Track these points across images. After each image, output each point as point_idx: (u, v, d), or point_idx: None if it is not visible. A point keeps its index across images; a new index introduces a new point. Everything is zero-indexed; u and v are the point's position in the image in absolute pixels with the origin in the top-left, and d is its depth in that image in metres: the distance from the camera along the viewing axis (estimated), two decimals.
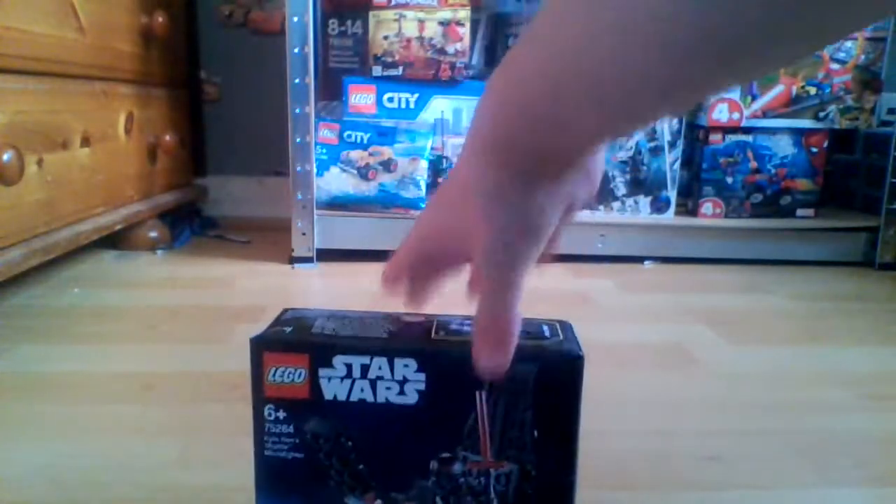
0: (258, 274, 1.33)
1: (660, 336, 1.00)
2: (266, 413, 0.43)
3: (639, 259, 1.43)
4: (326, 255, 1.41)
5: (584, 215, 1.43)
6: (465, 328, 0.44)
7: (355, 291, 1.21)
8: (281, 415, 0.43)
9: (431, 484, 0.44)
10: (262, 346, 0.42)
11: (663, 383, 0.84)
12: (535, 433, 0.42)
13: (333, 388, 0.42)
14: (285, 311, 0.47)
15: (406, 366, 0.41)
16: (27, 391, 0.78)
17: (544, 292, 1.21)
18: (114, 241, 1.44)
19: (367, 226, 1.40)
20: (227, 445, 0.66)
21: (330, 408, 0.42)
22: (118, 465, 0.63)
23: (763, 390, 0.82)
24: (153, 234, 1.50)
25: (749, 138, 1.40)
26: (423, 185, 1.37)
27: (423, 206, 1.38)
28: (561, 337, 0.43)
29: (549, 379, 0.41)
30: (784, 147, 1.41)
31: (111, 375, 0.83)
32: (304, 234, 1.41)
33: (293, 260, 1.40)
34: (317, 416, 0.43)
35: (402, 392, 0.42)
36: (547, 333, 0.43)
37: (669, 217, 1.43)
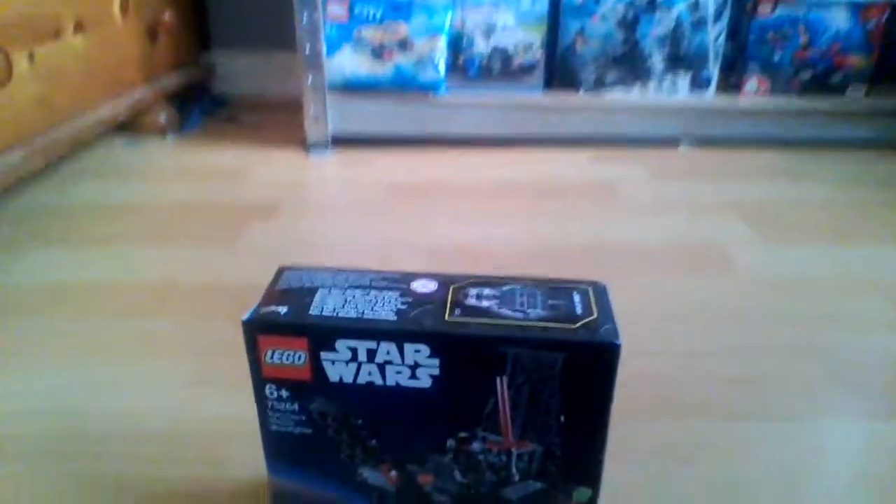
0: (272, 162, 1.27)
1: (694, 235, 0.95)
2: (267, 392, 0.40)
3: (674, 142, 1.34)
4: (341, 141, 1.35)
5: (617, 94, 1.33)
6: (484, 303, 0.39)
7: (373, 181, 1.15)
8: (283, 394, 0.40)
9: (448, 460, 0.41)
10: (256, 330, 0.38)
11: (696, 292, 0.79)
12: (562, 418, 0.38)
13: (338, 370, 0.38)
14: (280, 272, 0.43)
15: (417, 351, 0.37)
16: (40, 304, 0.77)
17: (572, 182, 1.14)
18: (124, 127, 1.38)
19: (383, 110, 1.32)
20: (240, 370, 0.64)
21: (335, 389, 0.39)
22: (131, 390, 0.62)
23: (800, 298, 0.78)
24: (162, 118, 1.44)
25: (801, 11, 1.26)
26: (441, 65, 1.27)
27: (443, 88, 1.29)
28: (594, 314, 0.38)
29: (580, 366, 0.37)
30: (838, 20, 1.26)
31: (125, 285, 0.81)
32: (317, 119, 1.33)
33: (307, 147, 1.34)
34: (322, 396, 0.40)
35: (413, 377, 0.38)
36: (578, 310, 0.38)
37: (710, 96, 1.32)
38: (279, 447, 0.42)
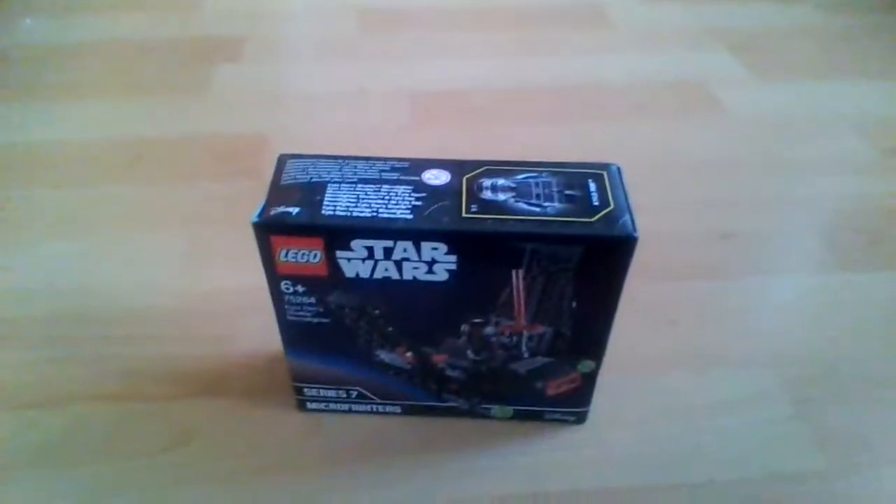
0: None
1: (682, 71, 0.92)
2: (283, 287, 0.40)
3: None
4: None
5: None
6: (500, 196, 0.38)
7: (341, 7, 1.07)
8: (300, 288, 0.40)
9: (462, 341, 0.43)
10: (268, 231, 0.37)
11: (684, 138, 0.79)
12: (574, 304, 0.40)
13: (354, 267, 0.38)
14: (282, 161, 0.41)
15: (435, 248, 0.37)
16: (3, 174, 0.73)
17: (559, 5, 1.08)
18: None
19: None
20: (235, 236, 0.64)
21: (352, 283, 0.39)
22: (121, 266, 0.61)
23: (784, 144, 0.78)
24: None
25: None
26: None
27: None
28: (611, 205, 0.38)
29: (596, 259, 0.37)
30: None
31: (93, 144, 0.77)
32: None
33: None
34: (338, 290, 0.40)
35: (430, 272, 0.38)
36: (595, 200, 0.38)
37: None
38: (297, 334, 0.43)
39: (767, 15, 1.08)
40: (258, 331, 0.55)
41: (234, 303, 0.57)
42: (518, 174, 0.40)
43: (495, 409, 0.48)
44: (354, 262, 0.38)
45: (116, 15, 1.06)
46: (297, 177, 0.39)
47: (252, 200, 0.67)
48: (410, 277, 0.39)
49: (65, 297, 0.58)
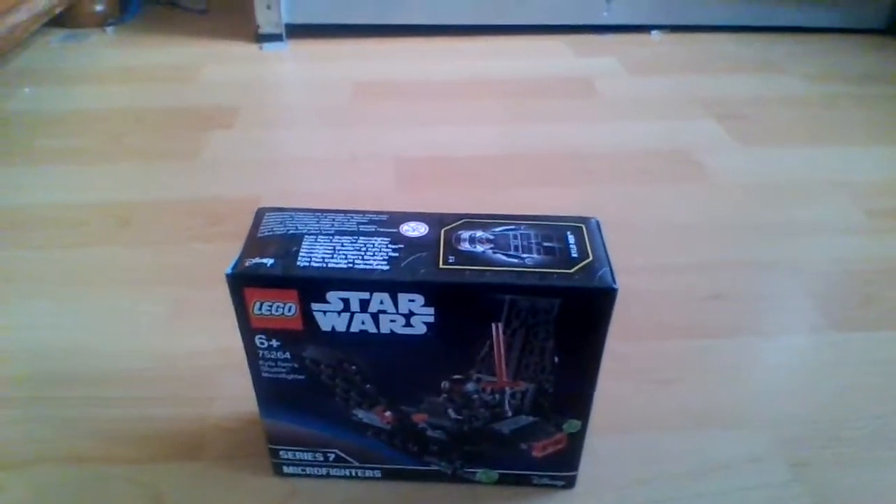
0: (223, 59, 1.19)
1: (668, 137, 0.94)
2: (258, 342, 0.39)
3: (646, 29, 1.30)
4: (297, 32, 1.27)
5: None
6: (478, 247, 0.38)
7: (335, 80, 1.09)
8: (274, 343, 0.39)
9: (443, 399, 0.41)
10: (242, 283, 0.36)
11: (671, 202, 0.80)
12: (556, 359, 0.39)
13: (330, 320, 0.37)
14: (260, 213, 0.41)
15: (412, 300, 0.36)
16: None
17: (546, 77, 1.11)
18: (60, 21, 1.27)
19: None
20: (218, 297, 0.63)
21: (328, 338, 0.38)
22: (106, 327, 0.60)
23: (771, 207, 0.79)
24: (99, 7, 1.33)
25: None
26: None
27: None
28: (590, 257, 0.37)
29: (576, 311, 0.36)
30: None
31: (83, 207, 0.77)
32: (268, 6, 1.24)
33: (259, 38, 1.26)
34: (314, 344, 0.39)
35: (408, 325, 0.37)
36: (574, 252, 0.37)
37: None
38: (272, 392, 0.42)
39: (753, 86, 1.10)
40: (238, 392, 0.53)
41: (214, 364, 0.56)
42: (496, 227, 0.39)
43: (480, 474, 0.46)
44: (330, 315, 0.37)
45: (112, 86, 1.08)
46: (275, 229, 0.39)
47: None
48: (388, 331, 0.38)
49: (42, 358, 0.57)
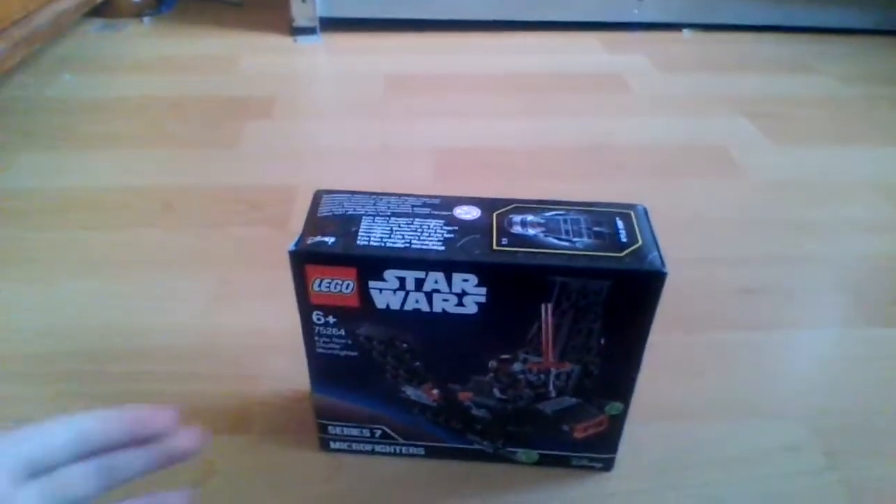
0: (259, 50, 1.21)
1: (700, 134, 0.94)
2: (314, 318, 0.40)
3: (677, 27, 1.30)
4: (332, 25, 1.28)
5: None
6: (530, 231, 0.39)
7: (369, 73, 1.11)
8: (330, 320, 0.40)
9: (489, 378, 0.42)
10: (304, 260, 0.38)
11: (701, 195, 0.80)
12: (602, 341, 0.40)
13: (385, 298, 0.39)
14: (318, 196, 0.42)
15: (465, 280, 0.38)
16: (38, 215, 0.75)
17: (578, 73, 1.11)
18: (98, 11, 1.30)
19: None
20: (261, 279, 0.65)
21: (383, 315, 0.40)
22: (151, 305, 0.62)
23: (804, 204, 0.79)
24: None
25: None
26: None
27: None
28: (639, 241, 0.38)
29: (625, 294, 0.38)
30: None
31: (126, 191, 0.79)
32: (303, 0, 1.26)
33: (294, 31, 1.28)
34: (368, 322, 0.40)
35: (460, 304, 0.39)
36: (623, 237, 0.39)
37: None
38: (325, 368, 0.43)
39: (786, 85, 1.10)
40: (280, 372, 0.55)
41: (256, 343, 0.58)
42: (546, 212, 0.41)
43: (521, 453, 0.47)
44: (386, 293, 0.39)
45: (150, 75, 1.10)
46: (333, 210, 0.40)
47: (278, 246, 0.68)
48: (440, 310, 0.39)
49: (90, 335, 0.59)
